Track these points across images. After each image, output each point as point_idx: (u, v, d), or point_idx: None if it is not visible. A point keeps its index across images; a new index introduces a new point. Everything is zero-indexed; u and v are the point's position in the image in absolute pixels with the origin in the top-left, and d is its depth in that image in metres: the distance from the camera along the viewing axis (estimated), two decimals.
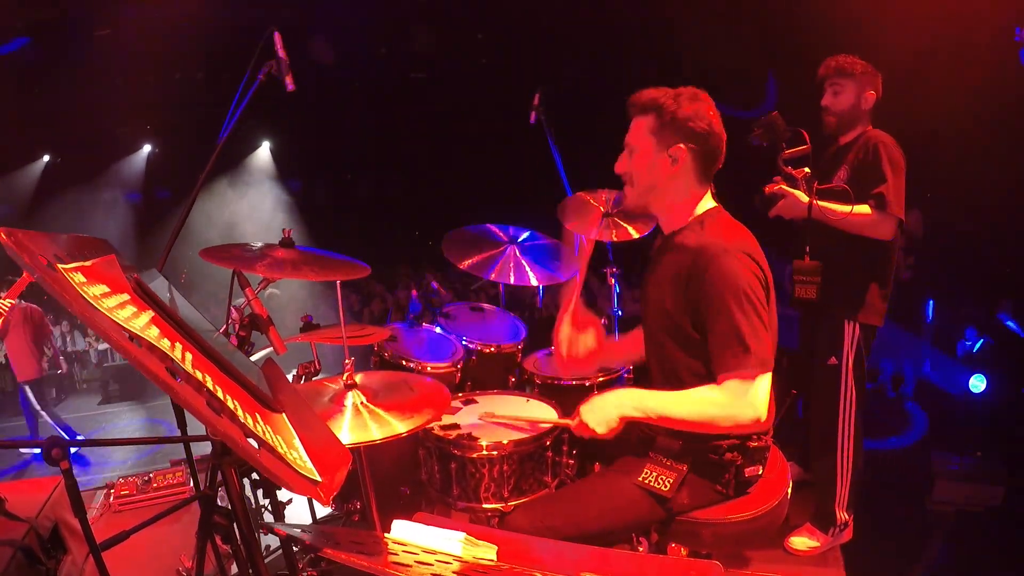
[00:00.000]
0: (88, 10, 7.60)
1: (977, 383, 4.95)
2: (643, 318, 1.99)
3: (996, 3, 5.04)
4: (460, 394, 2.61)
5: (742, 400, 1.63)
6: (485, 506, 2.13)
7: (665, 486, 1.78)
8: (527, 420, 2.23)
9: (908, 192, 2.57)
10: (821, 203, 2.52)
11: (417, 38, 9.34)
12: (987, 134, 5.40)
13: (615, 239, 3.11)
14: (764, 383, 1.65)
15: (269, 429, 0.99)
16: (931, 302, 5.60)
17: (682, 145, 1.75)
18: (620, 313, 3.26)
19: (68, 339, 11.20)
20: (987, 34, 5.12)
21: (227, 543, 1.31)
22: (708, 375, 1.72)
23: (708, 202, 1.85)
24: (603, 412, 1.74)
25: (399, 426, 1.84)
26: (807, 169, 2.57)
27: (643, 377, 2.18)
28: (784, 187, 2.59)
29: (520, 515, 1.89)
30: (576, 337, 2.10)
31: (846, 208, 2.48)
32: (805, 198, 2.54)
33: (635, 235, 3.05)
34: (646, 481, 1.80)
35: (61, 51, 8.43)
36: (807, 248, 2.54)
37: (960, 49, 5.16)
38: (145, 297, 1.05)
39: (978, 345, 5.49)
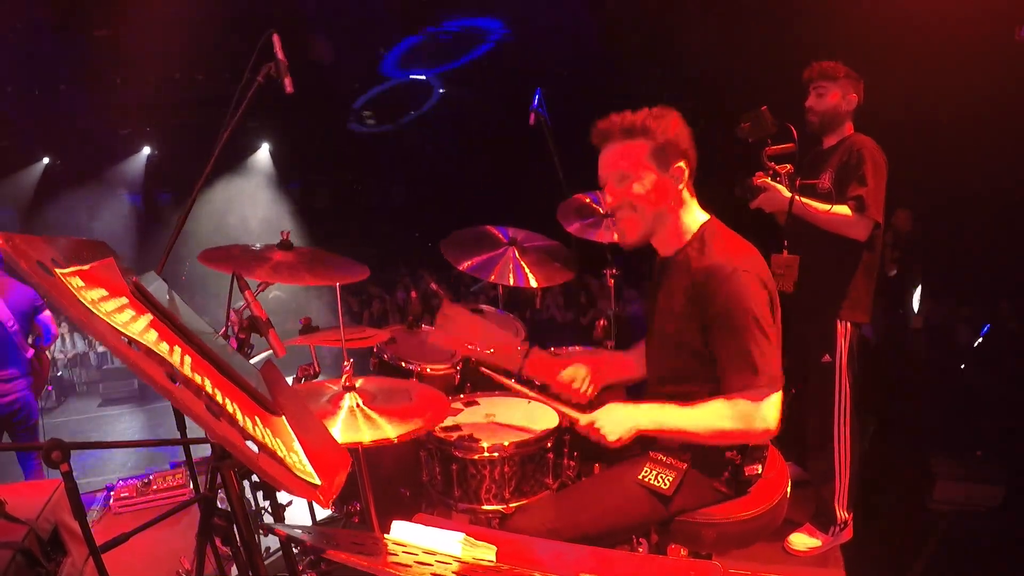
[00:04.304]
0: (88, 10, 7.59)
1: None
2: (649, 341, 2.01)
3: (996, 3, 5.04)
4: (462, 396, 2.61)
5: (753, 417, 1.67)
6: (486, 507, 2.13)
7: (665, 484, 1.79)
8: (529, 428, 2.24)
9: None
10: (802, 199, 2.58)
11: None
12: (986, 132, 5.40)
13: (615, 240, 3.11)
14: (774, 400, 1.69)
15: (269, 432, 0.99)
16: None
17: (681, 163, 1.76)
18: (620, 313, 3.26)
19: (68, 341, 11.19)
20: (986, 32, 5.12)
21: (227, 545, 1.30)
22: (713, 395, 1.74)
23: (700, 214, 1.85)
24: (620, 422, 1.75)
25: (392, 431, 1.84)
26: (789, 165, 2.63)
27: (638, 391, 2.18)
28: (767, 181, 2.63)
29: (520, 518, 1.90)
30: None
31: (826, 206, 2.56)
32: (787, 193, 2.59)
33: None
34: (646, 479, 1.80)
35: (61, 51, 8.43)
36: (785, 243, 2.63)
37: (960, 48, 5.17)
38: (144, 300, 1.05)
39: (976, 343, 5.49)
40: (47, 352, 4.11)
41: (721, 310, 1.68)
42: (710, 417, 1.71)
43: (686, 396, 1.78)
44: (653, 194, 1.77)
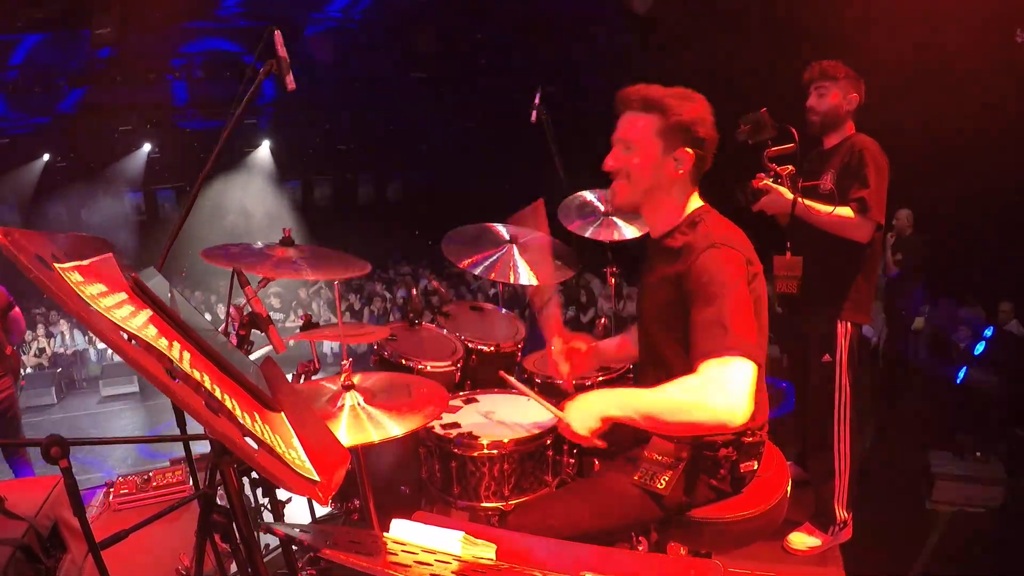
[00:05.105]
0: (88, 10, 7.59)
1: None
2: (639, 325, 2.00)
3: (996, 3, 5.04)
4: (461, 393, 2.61)
5: (715, 383, 1.50)
6: (485, 505, 2.13)
7: (661, 484, 1.78)
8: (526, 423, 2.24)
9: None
10: (805, 201, 2.57)
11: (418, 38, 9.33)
12: (987, 133, 5.40)
13: (616, 238, 3.11)
14: (742, 368, 1.51)
15: (267, 428, 0.99)
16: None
17: (688, 149, 1.73)
18: (621, 312, 3.26)
19: (67, 338, 11.19)
20: (987, 34, 5.12)
21: (226, 542, 1.30)
22: None
23: (696, 202, 1.84)
24: (585, 412, 1.64)
25: (394, 428, 1.84)
26: (791, 167, 2.61)
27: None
28: (769, 183, 2.62)
29: (519, 516, 1.90)
30: (568, 351, 2.17)
31: (828, 208, 2.55)
32: (789, 195, 2.58)
33: (637, 233, 3.05)
34: (642, 480, 1.80)
35: (61, 50, 8.43)
36: (788, 244, 2.62)
37: (960, 49, 5.16)
38: (143, 296, 1.04)
39: (979, 347, 5.49)
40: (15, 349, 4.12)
41: (695, 281, 1.63)
42: (673, 391, 1.56)
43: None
44: (649, 170, 1.75)
